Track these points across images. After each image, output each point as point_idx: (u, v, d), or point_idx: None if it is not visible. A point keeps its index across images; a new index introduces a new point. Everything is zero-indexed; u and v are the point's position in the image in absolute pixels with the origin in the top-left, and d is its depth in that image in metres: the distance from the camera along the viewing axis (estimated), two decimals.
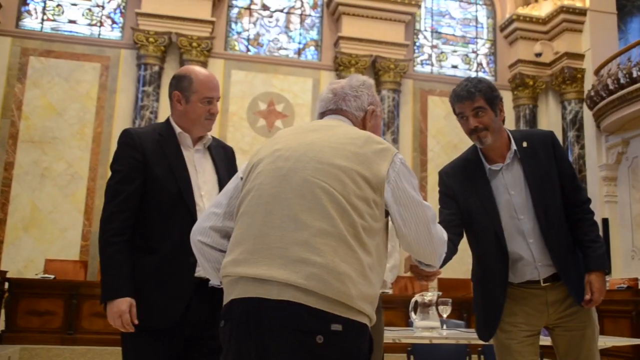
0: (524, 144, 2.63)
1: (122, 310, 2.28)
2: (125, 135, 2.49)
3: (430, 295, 3.34)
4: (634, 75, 9.28)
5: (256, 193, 1.75)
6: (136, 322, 2.30)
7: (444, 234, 1.87)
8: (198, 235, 1.91)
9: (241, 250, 1.69)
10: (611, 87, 9.64)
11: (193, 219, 2.36)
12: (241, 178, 1.89)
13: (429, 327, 3.27)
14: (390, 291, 8.90)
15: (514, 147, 2.63)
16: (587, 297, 2.52)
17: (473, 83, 2.59)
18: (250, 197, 1.76)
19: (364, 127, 1.96)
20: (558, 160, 2.63)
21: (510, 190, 2.60)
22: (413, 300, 3.35)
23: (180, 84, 2.52)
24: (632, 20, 12.46)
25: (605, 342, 3.90)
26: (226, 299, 1.72)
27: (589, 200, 2.68)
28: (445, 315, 3.54)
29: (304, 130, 1.88)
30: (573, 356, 2.60)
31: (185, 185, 2.42)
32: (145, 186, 2.40)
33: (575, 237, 2.64)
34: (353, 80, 2.02)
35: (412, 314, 3.34)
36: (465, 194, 2.66)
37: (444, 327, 3.59)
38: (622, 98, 9.40)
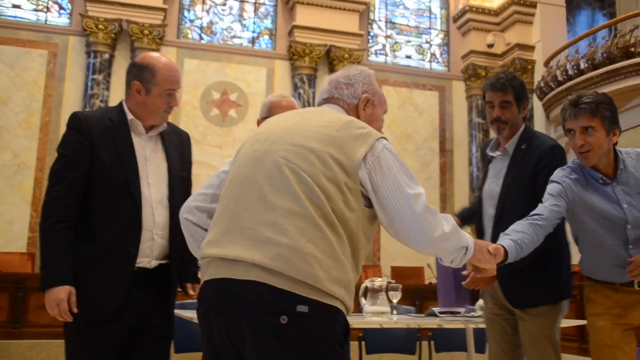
0: (523, 146, 2.78)
1: (60, 299, 2.22)
2: (74, 119, 2.43)
3: (380, 281, 3.35)
4: (582, 67, 9.49)
5: (234, 176, 1.78)
6: (75, 310, 2.24)
7: (443, 225, 1.73)
8: (185, 213, 1.93)
9: (215, 232, 1.72)
10: (560, 78, 9.85)
11: (137, 209, 2.32)
12: (231, 162, 1.91)
13: (379, 312, 3.27)
14: None
15: (512, 144, 2.80)
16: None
17: (509, 77, 2.79)
18: (229, 179, 1.80)
19: (357, 115, 1.94)
20: (538, 170, 2.69)
21: (492, 177, 2.83)
22: (363, 285, 3.36)
23: (142, 74, 2.43)
24: (580, 13, 12.76)
25: None
26: (201, 281, 1.74)
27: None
28: (395, 301, 3.56)
29: (288, 115, 1.92)
30: (526, 347, 2.71)
31: (132, 173, 2.36)
32: (91, 173, 2.34)
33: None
34: (350, 69, 2.03)
35: (362, 300, 3.34)
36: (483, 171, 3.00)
37: (394, 312, 3.61)
38: (570, 89, 9.59)
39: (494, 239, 2.56)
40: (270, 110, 2.79)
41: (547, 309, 2.65)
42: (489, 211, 2.79)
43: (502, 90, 2.75)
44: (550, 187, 2.58)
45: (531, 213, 2.50)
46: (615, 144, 2.63)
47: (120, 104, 2.49)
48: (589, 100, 2.55)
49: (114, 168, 2.34)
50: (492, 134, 11.31)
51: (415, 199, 1.70)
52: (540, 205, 2.52)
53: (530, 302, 2.63)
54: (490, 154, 2.88)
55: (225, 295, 1.61)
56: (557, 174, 2.64)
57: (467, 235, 1.82)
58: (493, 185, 2.81)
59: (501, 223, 2.64)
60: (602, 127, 2.53)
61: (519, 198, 2.67)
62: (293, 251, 1.57)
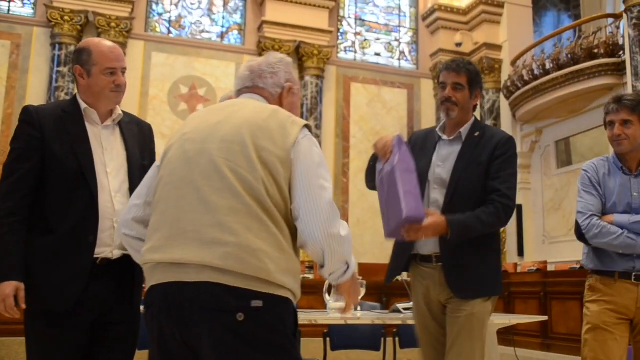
0: (476, 134, 2.74)
1: (6, 294, 2.17)
2: (24, 112, 2.39)
3: None
4: (547, 67, 9.63)
5: (168, 179, 1.76)
6: (23, 306, 2.20)
7: (341, 227, 1.75)
8: (122, 228, 1.93)
9: (158, 237, 1.70)
10: (526, 77, 9.99)
11: (94, 197, 2.29)
12: (157, 166, 1.90)
13: (343, 308, 3.28)
14: (311, 276, 8.96)
15: (466, 129, 2.74)
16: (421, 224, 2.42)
17: (465, 62, 2.78)
18: (163, 183, 1.77)
19: (280, 105, 1.95)
20: (494, 157, 2.66)
21: (439, 161, 2.73)
22: (327, 282, 3.37)
23: (80, 57, 2.41)
24: (546, 14, 12.95)
25: (510, 320, 4.06)
26: (147, 286, 1.73)
27: (505, 205, 2.59)
28: (359, 297, 3.57)
29: (211, 110, 1.89)
30: (452, 342, 2.61)
31: (86, 162, 2.32)
32: (44, 164, 2.30)
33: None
34: (270, 57, 2.02)
35: (326, 296, 3.35)
36: (417, 155, 2.72)
37: (359, 308, 3.63)
38: (535, 89, 9.76)
39: None
40: None
41: (489, 301, 2.65)
42: (434, 196, 2.67)
43: (456, 71, 2.72)
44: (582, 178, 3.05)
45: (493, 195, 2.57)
46: None
47: (75, 96, 2.48)
48: (631, 99, 2.96)
49: (66, 158, 2.30)
50: None
51: (324, 192, 1.72)
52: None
53: (475, 293, 2.59)
54: (442, 137, 2.77)
55: (177, 298, 1.61)
56: (587, 165, 3.08)
57: (353, 258, 1.82)
58: (439, 170, 2.71)
59: (451, 209, 2.58)
60: (638, 123, 2.93)
61: (472, 184, 2.62)
62: (242, 248, 1.59)
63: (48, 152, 2.31)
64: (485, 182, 2.62)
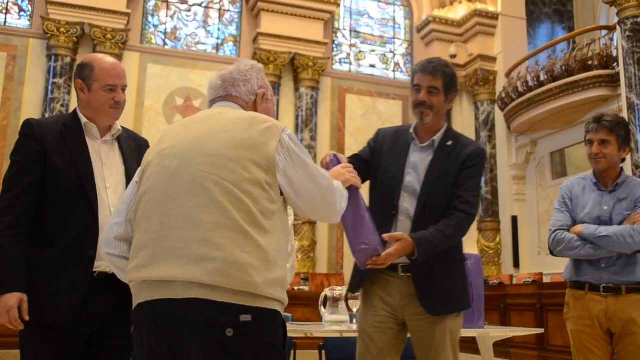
0: (449, 143, 2.65)
1: (10, 306, 2.17)
2: (25, 126, 2.40)
3: (340, 290, 3.35)
4: (542, 78, 9.69)
5: (149, 196, 1.74)
6: (27, 318, 2.19)
7: (343, 199, 1.98)
8: (105, 247, 1.90)
9: (143, 255, 1.68)
10: (520, 89, 10.04)
11: (94, 211, 2.30)
12: (136, 182, 1.87)
13: (338, 320, 3.27)
14: (306, 288, 8.94)
15: (439, 137, 2.65)
16: (385, 252, 2.38)
17: (441, 64, 2.63)
18: (144, 200, 1.75)
19: (255, 111, 1.94)
20: (463, 167, 2.62)
21: (409, 168, 2.63)
22: (323, 294, 3.36)
23: (82, 72, 2.43)
24: (540, 26, 13.03)
25: (507, 332, 4.05)
26: (134, 304, 1.71)
27: (468, 214, 2.57)
28: (355, 310, 3.55)
29: (187, 124, 1.86)
30: (418, 356, 2.56)
31: (86, 176, 2.33)
32: (45, 178, 2.31)
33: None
34: (241, 65, 2.00)
35: (322, 309, 3.34)
36: (384, 155, 2.69)
37: (354, 321, 3.61)
38: (530, 100, 9.81)
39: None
40: None
41: (460, 316, 2.60)
42: (404, 205, 2.58)
43: (432, 74, 2.58)
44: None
45: (458, 206, 2.57)
46: (624, 160, 3.17)
47: (75, 110, 2.49)
48: (610, 120, 3.08)
49: (67, 172, 2.31)
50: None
51: (322, 180, 1.84)
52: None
53: (447, 309, 2.53)
54: (415, 142, 2.68)
55: (165, 315, 1.60)
56: (564, 184, 3.26)
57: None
58: (410, 178, 2.61)
59: (421, 219, 2.52)
60: (616, 143, 3.06)
61: (444, 196, 2.57)
62: (229, 264, 1.58)
63: (49, 166, 2.32)
64: (451, 193, 2.58)
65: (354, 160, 2.66)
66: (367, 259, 2.34)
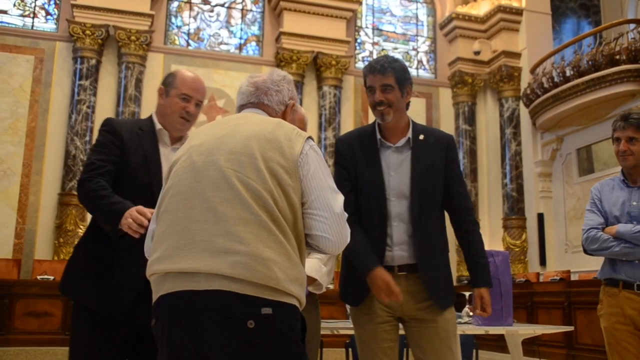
0: (421, 137, 2.66)
1: (134, 212, 2.23)
2: (106, 123, 2.57)
3: None
4: (567, 74, 9.57)
5: (175, 190, 1.78)
6: (146, 224, 2.21)
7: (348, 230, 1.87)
8: (147, 253, 1.95)
9: (165, 247, 1.72)
10: (546, 85, 9.93)
11: None
12: (165, 179, 1.93)
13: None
14: (332, 286, 8.94)
15: (410, 134, 2.66)
16: (478, 310, 2.64)
17: (389, 60, 2.63)
18: (170, 194, 1.80)
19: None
20: (449, 161, 2.66)
21: (391, 171, 2.62)
22: None
23: (166, 79, 2.61)
24: (565, 21, 12.87)
25: (535, 330, 4.02)
26: (155, 297, 1.74)
27: (473, 208, 2.73)
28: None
29: (217, 124, 1.93)
30: (423, 351, 2.58)
31: (156, 178, 2.44)
32: (119, 173, 2.45)
33: (464, 249, 2.70)
34: (274, 74, 2.07)
35: (348, 307, 3.34)
36: (357, 163, 2.66)
37: None
38: (556, 96, 9.69)
39: (417, 242, 2.53)
40: None
41: (454, 308, 2.68)
42: (396, 210, 2.57)
43: (382, 72, 2.58)
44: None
45: (470, 217, 2.72)
46: None
47: (151, 115, 2.64)
48: (637, 117, 3.15)
49: (140, 171, 2.45)
50: (482, 140, 11.37)
51: (336, 193, 1.82)
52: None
53: (451, 300, 2.63)
54: (385, 143, 2.66)
55: (188, 307, 1.63)
56: (594, 186, 3.34)
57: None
58: (394, 181, 2.60)
59: (419, 221, 2.55)
60: None
61: (435, 193, 2.60)
62: (252, 257, 1.62)
63: (124, 161, 2.45)
64: (443, 189, 2.64)
65: (347, 180, 2.68)
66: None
